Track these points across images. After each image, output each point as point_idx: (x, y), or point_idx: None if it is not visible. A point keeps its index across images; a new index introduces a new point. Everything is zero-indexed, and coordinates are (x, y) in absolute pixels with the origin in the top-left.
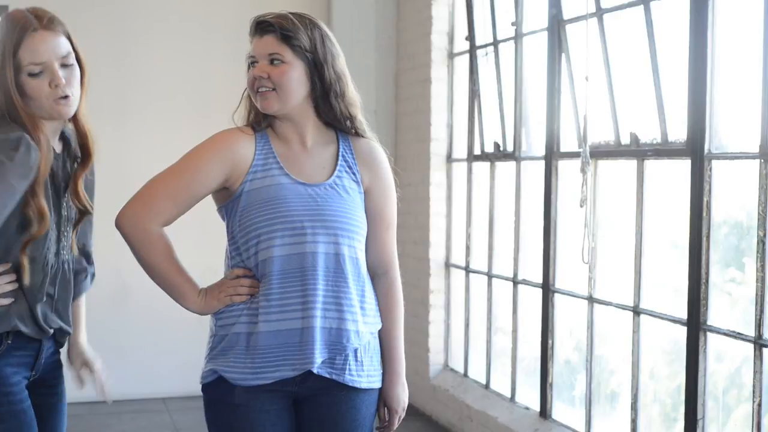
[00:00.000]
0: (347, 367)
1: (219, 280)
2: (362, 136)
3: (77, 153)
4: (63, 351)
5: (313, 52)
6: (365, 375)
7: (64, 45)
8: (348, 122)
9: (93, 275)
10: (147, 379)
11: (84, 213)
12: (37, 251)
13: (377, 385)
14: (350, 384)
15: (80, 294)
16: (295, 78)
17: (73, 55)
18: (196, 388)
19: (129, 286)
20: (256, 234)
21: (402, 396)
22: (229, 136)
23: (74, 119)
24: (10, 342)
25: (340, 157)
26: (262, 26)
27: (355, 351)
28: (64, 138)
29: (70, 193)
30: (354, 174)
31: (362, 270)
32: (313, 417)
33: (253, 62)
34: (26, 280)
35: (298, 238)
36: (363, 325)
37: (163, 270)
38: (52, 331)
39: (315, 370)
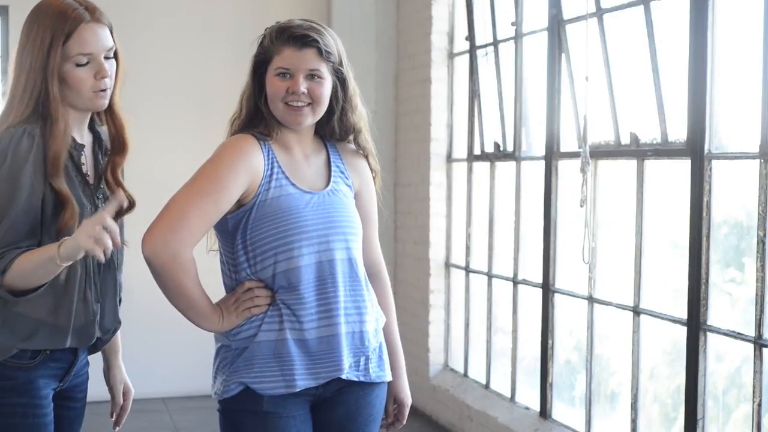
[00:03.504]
0: (369, 366)
1: (228, 295)
2: (364, 150)
3: (107, 146)
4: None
5: (339, 67)
6: (380, 369)
7: (109, 38)
8: (353, 136)
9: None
10: (147, 379)
11: (130, 205)
12: None
13: (389, 378)
14: (377, 381)
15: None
16: (329, 94)
17: (114, 48)
18: (196, 389)
19: (129, 286)
20: (273, 246)
21: (408, 390)
22: (245, 147)
23: (111, 111)
24: (48, 353)
25: (332, 164)
26: (302, 39)
27: (373, 349)
28: (93, 131)
29: (110, 183)
30: (346, 178)
31: (364, 270)
32: (332, 416)
33: (284, 74)
34: (62, 275)
35: (316, 247)
36: (376, 323)
37: (191, 295)
38: (100, 333)
39: (345, 376)
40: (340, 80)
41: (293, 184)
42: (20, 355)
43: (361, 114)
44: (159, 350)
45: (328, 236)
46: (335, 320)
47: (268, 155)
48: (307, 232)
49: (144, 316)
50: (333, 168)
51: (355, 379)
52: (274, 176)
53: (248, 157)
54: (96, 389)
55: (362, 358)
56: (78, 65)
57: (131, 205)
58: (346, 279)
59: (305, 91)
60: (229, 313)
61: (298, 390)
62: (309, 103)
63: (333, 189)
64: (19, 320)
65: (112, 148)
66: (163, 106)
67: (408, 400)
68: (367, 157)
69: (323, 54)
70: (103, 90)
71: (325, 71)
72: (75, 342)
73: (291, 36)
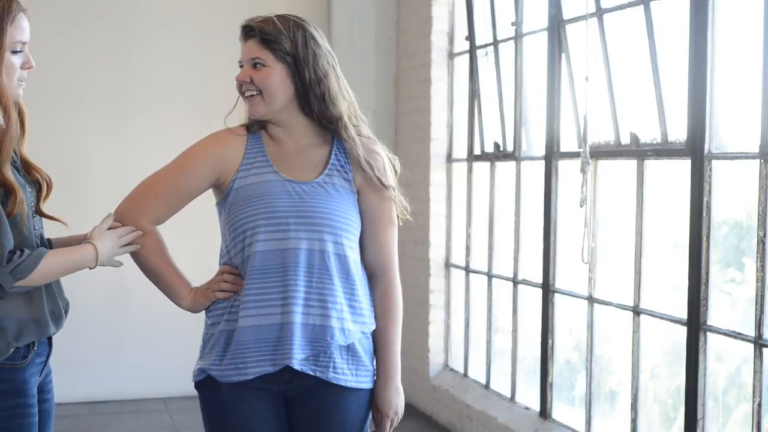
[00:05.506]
0: (332, 364)
1: (210, 279)
2: (345, 139)
3: None
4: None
5: (294, 55)
6: (352, 374)
7: None
8: (329, 124)
9: None
10: (147, 379)
11: (49, 184)
12: (25, 229)
13: (367, 385)
14: (335, 382)
15: None
16: (277, 81)
17: None
18: None
19: (129, 286)
20: (243, 230)
21: (395, 400)
22: (218, 138)
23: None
24: (35, 349)
25: (332, 157)
26: (245, 31)
27: (342, 349)
28: None
29: (27, 168)
30: (346, 173)
31: (352, 268)
32: (302, 417)
33: (241, 66)
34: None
35: (281, 234)
36: (351, 324)
37: (153, 266)
38: (65, 315)
39: (298, 367)
40: (298, 67)
41: (276, 172)
42: (14, 356)
43: (334, 101)
44: (159, 350)
45: (297, 225)
46: (290, 309)
47: (254, 146)
48: (275, 218)
49: (144, 316)
50: (332, 161)
51: (311, 374)
52: (256, 164)
53: (220, 146)
54: (96, 389)
55: (323, 354)
56: (13, 52)
57: (50, 186)
58: (312, 270)
59: (247, 79)
60: (200, 295)
61: (250, 377)
62: (259, 93)
63: (322, 181)
64: (4, 321)
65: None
66: (162, 110)
67: (389, 410)
68: (357, 151)
69: (263, 41)
70: (23, 81)
71: (270, 59)
72: (54, 328)
73: (240, 30)
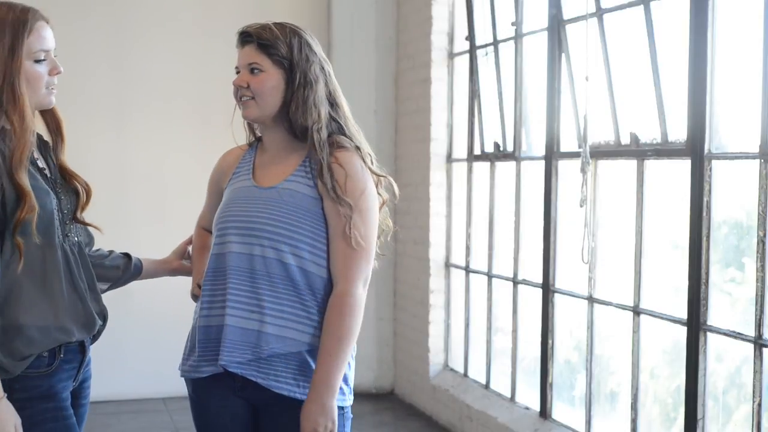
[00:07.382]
0: (274, 372)
1: None
2: (314, 142)
3: (48, 142)
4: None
5: (290, 59)
6: (298, 385)
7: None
8: (302, 132)
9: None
10: (147, 379)
11: (87, 192)
12: (49, 236)
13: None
14: (276, 390)
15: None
16: (272, 86)
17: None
18: None
19: (129, 286)
20: (214, 233)
21: (316, 418)
22: (225, 154)
23: (51, 108)
24: (62, 356)
25: (301, 164)
26: (242, 37)
27: (288, 358)
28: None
29: (65, 176)
30: (310, 179)
31: (298, 276)
32: (264, 427)
33: (237, 72)
34: (20, 264)
35: (225, 238)
36: (296, 333)
37: (192, 255)
38: (97, 325)
39: (236, 370)
40: (291, 73)
41: (250, 179)
42: (38, 363)
43: (317, 106)
44: (159, 350)
45: (239, 230)
46: (226, 311)
47: (248, 156)
48: (225, 222)
49: (144, 316)
50: (298, 168)
51: (253, 380)
52: (242, 172)
53: (221, 160)
54: (96, 389)
55: (263, 360)
56: (36, 61)
57: (88, 193)
58: (254, 275)
59: (244, 84)
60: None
61: (204, 375)
62: (253, 97)
63: (281, 187)
64: (30, 330)
65: (55, 143)
66: (162, 110)
67: (307, 426)
68: (328, 165)
69: (260, 47)
70: (53, 87)
71: (267, 64)
72: (84, 333)
73: (238, 36)
